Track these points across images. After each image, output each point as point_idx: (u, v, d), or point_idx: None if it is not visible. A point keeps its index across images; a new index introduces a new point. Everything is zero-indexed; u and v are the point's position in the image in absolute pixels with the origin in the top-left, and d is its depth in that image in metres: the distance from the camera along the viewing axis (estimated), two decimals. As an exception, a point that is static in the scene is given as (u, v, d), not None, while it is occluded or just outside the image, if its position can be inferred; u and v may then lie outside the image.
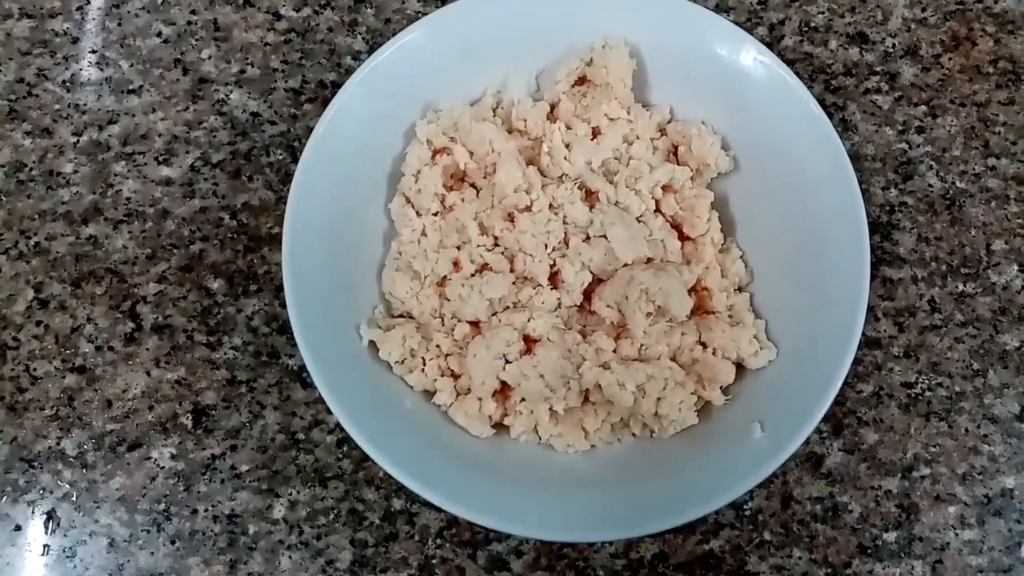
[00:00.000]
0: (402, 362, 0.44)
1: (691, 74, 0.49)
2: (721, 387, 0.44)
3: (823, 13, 0.59)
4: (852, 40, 0.58)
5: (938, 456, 0.49)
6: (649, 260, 0.45)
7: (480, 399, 0.44)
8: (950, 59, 0.58)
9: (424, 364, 0.45)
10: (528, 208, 0.45)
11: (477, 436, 0.44)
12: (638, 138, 0.48)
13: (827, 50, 0.58)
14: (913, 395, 0.50)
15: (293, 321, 0.42)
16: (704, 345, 0.45)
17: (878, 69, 0.58)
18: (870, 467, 0.49)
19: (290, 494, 0.47)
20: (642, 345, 0.44)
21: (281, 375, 0.50)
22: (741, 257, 0.48)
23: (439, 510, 0.46)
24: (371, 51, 0.54)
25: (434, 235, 0.46)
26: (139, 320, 0.51)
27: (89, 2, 0.58)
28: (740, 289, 0.47)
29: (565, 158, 0.47)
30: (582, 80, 0.50)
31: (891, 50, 0.58)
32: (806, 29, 0.58)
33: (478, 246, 0.45)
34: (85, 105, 0.56)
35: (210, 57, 0.57)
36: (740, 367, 0.45)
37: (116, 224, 0.53)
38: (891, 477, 0.49)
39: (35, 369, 0.50)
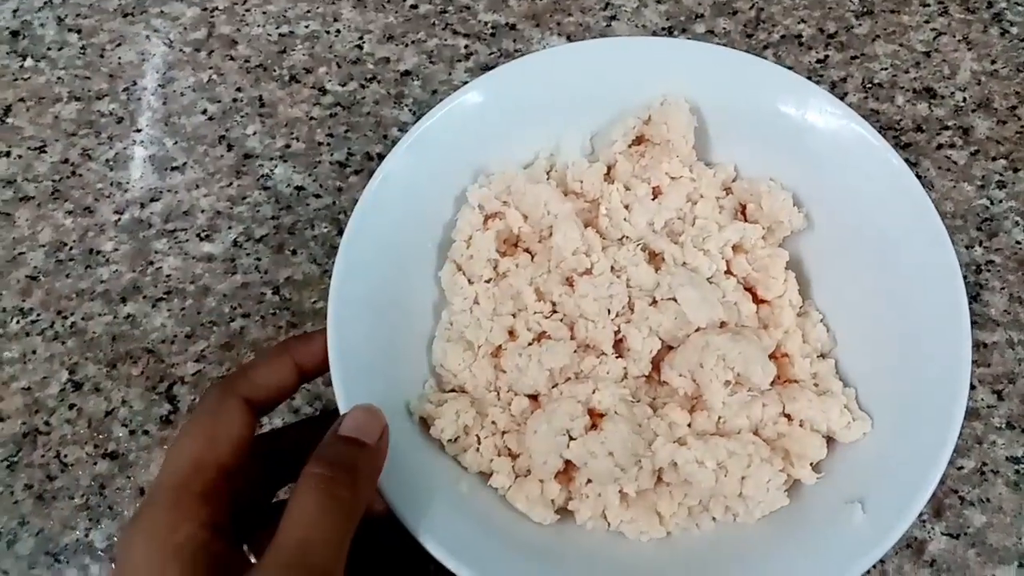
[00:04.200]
0: (455, 440, 0.41)
1: (754, 130, 0.46)
2: (811, 463, 0.40)
3: (886, 69, 0.57)
4: (919, 95, 0.56)
5: (1058, 541, 0.44)
6: (723, 324, 0.41)
7: (541, 481, 0.40)
8: (1027, 111, 0.55)
9: (479, 442, 0.41)
10: (588, 271, 0.42)
11: (539, 523, 0.40)
12: (702, 197, 0.45)
13: (894, 106, 0.55)
14: (1022, 471, 0.45)
15: (339, 399, 0.39)
16: (789, 417, 0.40)
17: (950, 124, 0.55)
18: (980, 554, 0.43)
19: (333, 590, 0.43)
20: (720, 418, 0.40)
21: (324, 459, 0.46)
22: (821, 321, 0.44)
23: (498, 608, 0.41)
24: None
25: (487, 303, 0.43)
26: (175, 402, 0.48)
27: (136, 83, 0.58)
28: (823, 356, 0.43)
29: (625, 219, 0.44)
30: (639, 140, 0.47)
31: (962, 104, 0.55)
32: (870, 86, 0.56)
33: (535, 313, 0.42)
34: (128, 183, 0.55)
35: (255, 133, 0.56)
36: (830, 441, 0.40)
37: (155, 302, 0.51)
38: (1006, 566, 0.43)
39: (66, 456, 0.47)
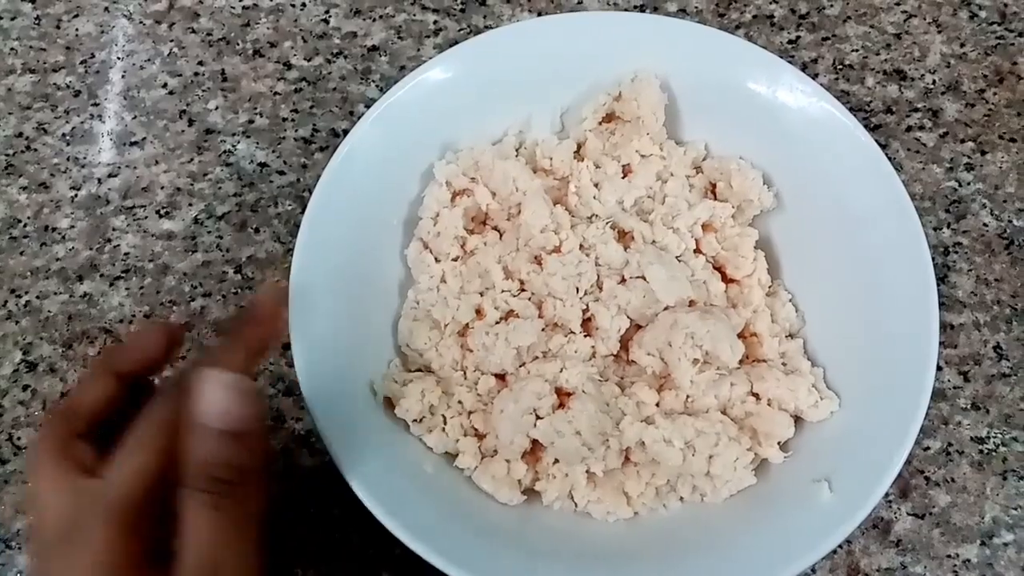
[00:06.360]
0: (420, 420, 0.40)
1: (725, 108, 0.45)
2: (779, 443, 0.40)
3: (857, 51, 0.56)
4: (890, 77, 0.55)
5: (1020, 520, 0.44)
6: (692, 303, 0.41)
7: (508, 461, 0.39)
8: (995, 94, 0.55)
9: (445, 422, 0.40)
10: (557, 249, 0.42)
11: (505, 503, 0.39)
12: (672, 175, 0.44)
13: (864, 87, 0.55)
14: (986, 451, 0.45)
15: (301, 380, 0.38)
16: (757, 396, 0.40)
17: (919, 106, 0.54)
18: (944, 533, 0.44)
19: None
20: (688, 397, 0.39)
21: (287, 441, 0.45)
22: (790, 300, 0.44)
23: (464, 590, 0.41)
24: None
25: (454, 281, 0.42)
26: (134, 383, 0.47)
27: (94, 55, 0.56)
28: (791, 335, 0.43)
29: (595, 197, 0.43)
30: (609, 117, 0.47)
31: (931, 86, 0.55)
32: (840, 67, 0.56)
33: (503, 291, 0.42)
34: (84, 158, 0.53)
35: (217, 108, 0.55)
36: (798, 420, 0.40)
37: (113, 281, 0.49)
38: (969, 544, 0.43)
39: (19, 438, 0.45)
